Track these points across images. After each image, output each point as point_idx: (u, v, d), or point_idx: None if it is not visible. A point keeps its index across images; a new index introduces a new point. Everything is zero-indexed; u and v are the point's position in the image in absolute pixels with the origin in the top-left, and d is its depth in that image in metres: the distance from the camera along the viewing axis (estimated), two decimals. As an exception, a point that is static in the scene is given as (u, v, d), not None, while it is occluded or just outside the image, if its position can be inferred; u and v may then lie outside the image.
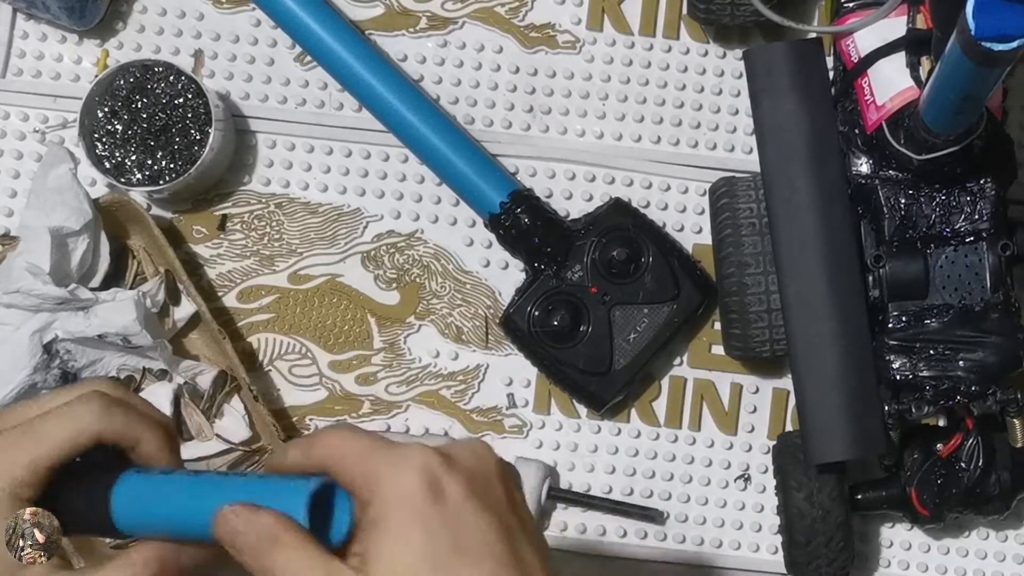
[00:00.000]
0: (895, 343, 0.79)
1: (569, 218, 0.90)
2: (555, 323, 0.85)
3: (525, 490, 0.84)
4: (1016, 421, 0.80)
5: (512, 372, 0.90)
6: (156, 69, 0.86)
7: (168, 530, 0.49)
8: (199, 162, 0.85)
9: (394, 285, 0.91)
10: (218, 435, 0.87)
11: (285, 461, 0.48)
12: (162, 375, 0.87)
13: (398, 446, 0.46)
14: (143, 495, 0.49)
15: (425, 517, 0.44)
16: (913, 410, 0.79)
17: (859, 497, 0.84)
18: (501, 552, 0.45)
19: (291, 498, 0.46)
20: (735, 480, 0.90)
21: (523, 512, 0.47)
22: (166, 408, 0.85)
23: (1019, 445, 0.80)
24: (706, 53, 0.92)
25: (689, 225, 0.91)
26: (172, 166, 0.86)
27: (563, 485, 0.89)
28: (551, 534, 0.89)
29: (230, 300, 0.90)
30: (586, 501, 0.88)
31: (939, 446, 0.81)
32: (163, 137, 0.86)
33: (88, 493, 0.50)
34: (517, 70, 0.91)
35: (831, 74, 0.83)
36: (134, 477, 0.50)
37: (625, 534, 0.89)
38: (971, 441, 0.81)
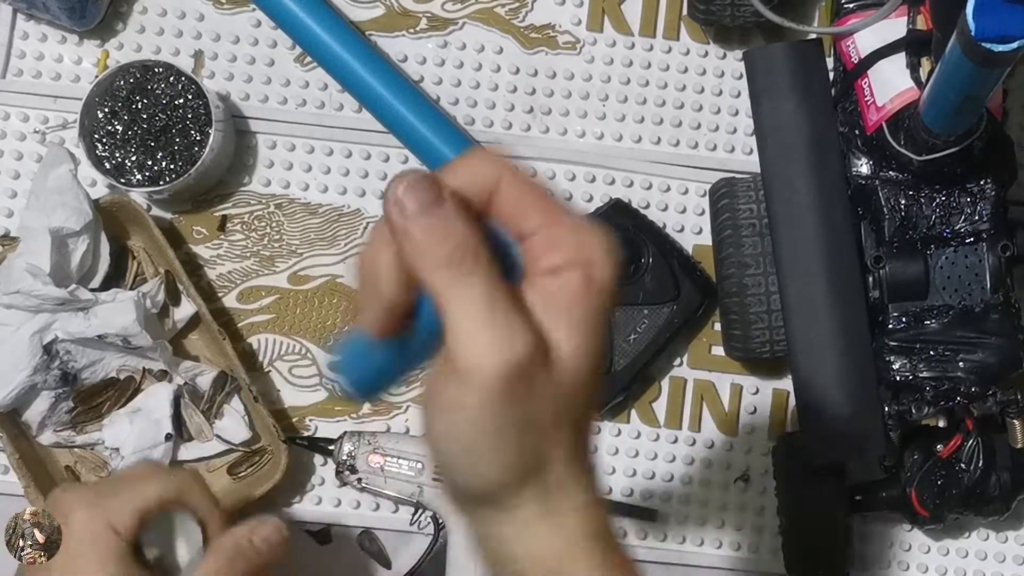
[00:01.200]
0: (895, 344, 0.79)
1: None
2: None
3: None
4: (1016, 422, 0.80)
5: (512, 373, 0.90)
6: (156, 70, 0.86)
7: None
8: (199, 163, 0.85)
9: (394, 286, 0.90)
10: (218, 436, 0.87)
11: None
12: (162, 376, 0.87)
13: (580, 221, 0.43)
14: None
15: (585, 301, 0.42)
16: (913, 411, 0.79)
17: (859, 498, 0.84)
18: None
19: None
20: (735, 481, 0.90)
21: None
22: (166, 408, 0.85)
23: (1019, 446, 0.80)
24: (706, 54, 0.92)
25: (689, 226, 0.91)
26: (172, 167, 0.86)
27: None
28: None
29: (230, 301, 0.90)
30: None
31: (939, 447, 0.81)
32: (163, 138, 0.86)
33: None
34: (517, 71, 0.91)
35: (831, 75, 0.83)
36: None
37: (625, 534, 0.89)
38: (971, 442, 0.81)
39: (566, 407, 0.42)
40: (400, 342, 0.44)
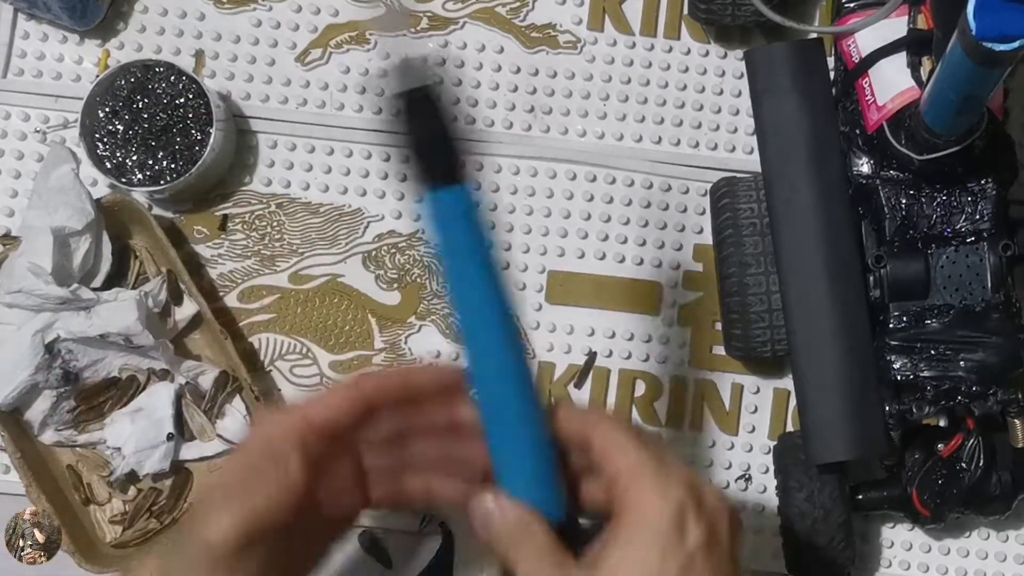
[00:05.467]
0: (896, 343, 0.79)
1: (570, 218, 0.90)
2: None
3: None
4: (1017, 421, 0.80)
5: (513, 372, 0.90)
6: (157, 69, 0.86)
7: None
8: (200, 162, 0.85)
9: (395, 285, 0.91)
10: (219, 435, 0.87)
11: (555, 414, 0.52)
12: (164, 375, 0.87)
13: (664, 469, 0.50)
14: None
15: (666, 549, 0.48)
16: (914, 410, 0.79)
17: (860, 497, 0.84)
18: None
19: (552, 495, 0.51)
20: (736, 480, 0.90)
21: (739, 566, 0.52)
22: (168, 408, 0.86)
23: (1020, 445, 0.80)
24: (707, 53, 0.92)
25: (690, 225, 0.91)
26: (173, 166, 0.86)
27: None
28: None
29: (231, 300, 0.90)
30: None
31: (940, 446, 0.81)
32: (164, 137, 0.86)
33: None
34: (518, 70, 0.92)
35: (832, 74, 0.83)
36: None
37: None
38: (972, 441, 0.81)
39: None
40: None
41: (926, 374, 0.78)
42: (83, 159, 0.86)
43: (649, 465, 0.50)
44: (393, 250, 0.91)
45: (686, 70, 0.92)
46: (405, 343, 0.90)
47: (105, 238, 0.85)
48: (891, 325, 0.79)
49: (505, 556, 0.51)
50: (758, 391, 0.90)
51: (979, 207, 0.79)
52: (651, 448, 0.51)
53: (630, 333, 0.90)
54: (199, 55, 0.92)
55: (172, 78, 0.86)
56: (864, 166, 0.80)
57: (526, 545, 0.50)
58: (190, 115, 0.86)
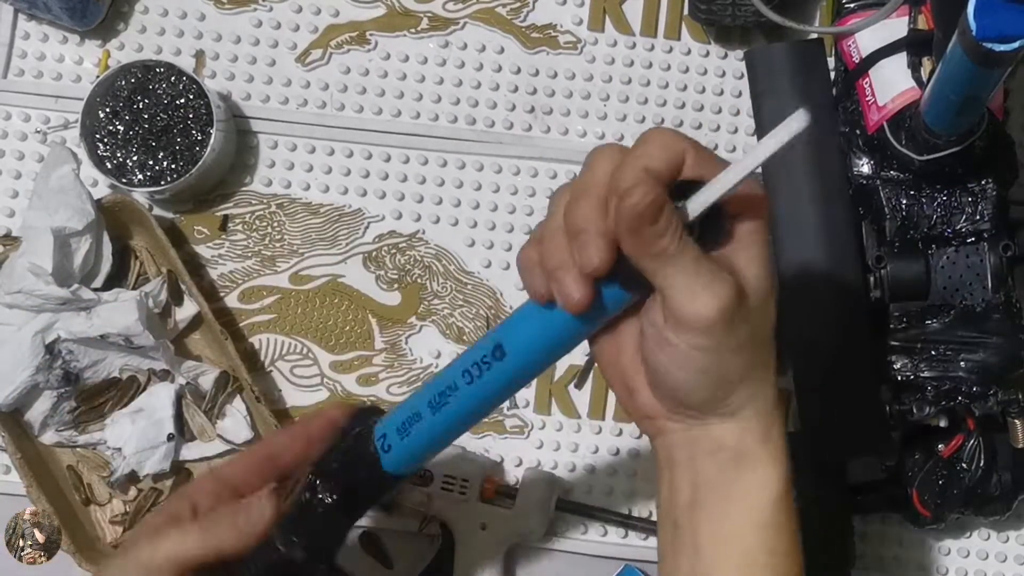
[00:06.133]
0: (896, 344, 0.79)
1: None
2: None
3: (534, 501, 0.85)
4: (1017, 422, 0.79)
5: (513, 372, 0.90)
6: (157, 70, 0.86)
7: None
8: (200, 163, 0.85)
9: (395, 286, 0.91)
10: (220, 436, 0.87)
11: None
12: (164, 375, 0.87)
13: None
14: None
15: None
16: (914, 410, 0.79)
17: (860, 498, 0.84)
18: None
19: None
20: (736, 480, 0.90)
21: None
22: (168, 408, 0.86)
23: (1020, 446, 0.80)
24: (707, 54, 0.92)
25: (690, 225, 0.91)
26: (173, 167, 0.86)
27: (564, 486, 0.89)
28: (553, 534, 0.89)
29: (232, 301, 0.90)
30: (594, 514, 0.88)
31: (940, 447, 0.81)
32: (164, 138, 0.86)
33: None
34: (518, 70, 0.92)
35: (832, 75, 0.83)
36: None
37: (627, 535, 0.89)
38: (972, 442, 0.81)
39: (762, 323, 0.53)
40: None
41: (926, 374, 0.78)
42: (83, 159, 0.86)
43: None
44: (393, 250, 0.91)
45: (686, 70, 0.92)
46: (406, 343, 0.90)
47: (105, 238, 0.85)
48: (891, 325, 0.79)
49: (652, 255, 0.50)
50: (758, 391, 0.90)
51: (979, 207, 0.79)
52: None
53: (630, 333, 0.90)
54: (199, 55, 0.92)
55: (172, 78, 0.86)
56: (864, 166, 0.80)
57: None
58: (190, 115, 0.86)
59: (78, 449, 0.88)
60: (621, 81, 0.91)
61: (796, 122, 0.47)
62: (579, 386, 0.90)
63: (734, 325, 0.51)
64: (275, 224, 0.91)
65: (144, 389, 0.87)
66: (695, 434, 0.55)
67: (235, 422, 0.87)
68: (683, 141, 0.51)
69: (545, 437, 0.90)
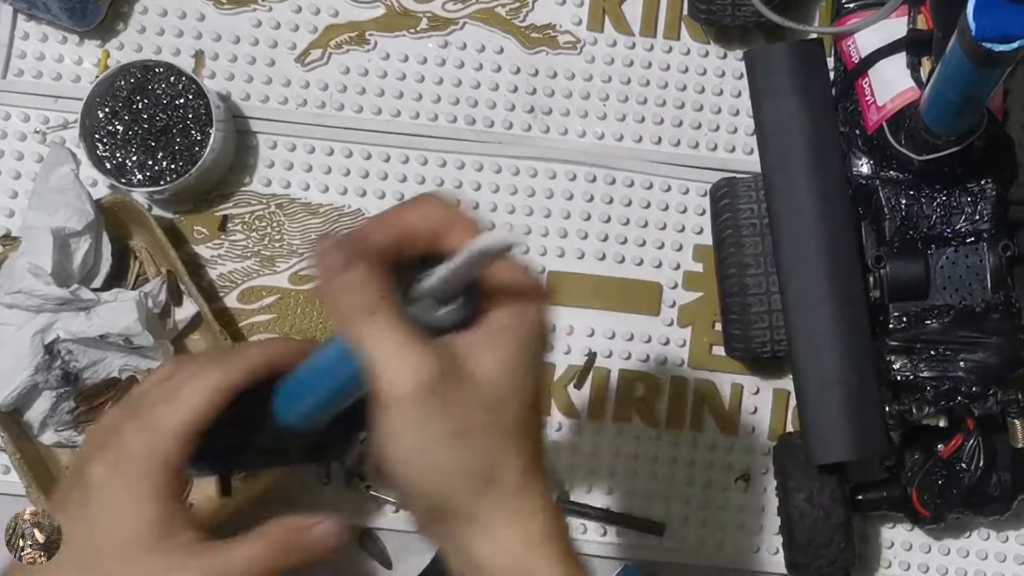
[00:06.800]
0: (896, 344, 0.79)
1: (569, 219, 0.90)
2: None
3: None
4: (1017, 422, 0.79)
5: (513, 373, 0.90)
6: (157, 70, 0.86)
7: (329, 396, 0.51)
8: (200, 163, 0.85)
9: (395, 286, 0.91)
10: (219, 435, 0.87)
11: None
12: (163, 376, 0.87)
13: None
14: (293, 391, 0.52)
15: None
16: (914, 411, 0.79)
17: (860, 498, 0.84)
18: None
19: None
20: (736, 481, 0.90)
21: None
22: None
23: (1020, 446, 0.80)
24: (707, 54, 0.92)
25: (690, 226, 0.91)
26: (173, 167, 0.86)
27: (563, 487, 0.89)
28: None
29: (231, 301, 0.90)
30: (594, 514, 0.88)
31: (940, 447, 0.81)
32: (164, 138, 0.86)
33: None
34: (518, 71, 0.92)
35: (832, 75, 0.83)
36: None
37: (626, 535, 0.89)
38: (972, 442, 0.80)
39: (496, 417, 0.47)
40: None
41: (926, 374, 0.78)
42: (83, 160, 0.86)
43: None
44: (393, 250, 0.91)
45: (686, 70, 0.92)
46: (405, 343, 0.90)
47: (105, 239, 0.85)
48: (891, 325, 0.79)
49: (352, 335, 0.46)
50: (758, 391, 0.90)
51: (979, 207, 0.79)
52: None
53: (630, 333, 0.90)
54: (199, 55, 0.92)
55: (172, 78, 0.86)
56: (864, 166, 0.80)
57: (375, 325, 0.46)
58: (190, 116, 0.86)
59: (77, 449, 0.87)
60: (620, 81, 0.91)
61: (508, 239, 0.43)
62: (579, 386, 0.90)
63: (439, 409, 0.46)
64: (274, 224, 0.91)
65: (143, 389, 0.87)
66: (453, 552, 0.49)
67: (234, 422, 0.87)
68: (446, 212, 0.47)
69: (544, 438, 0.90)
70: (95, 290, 0.85)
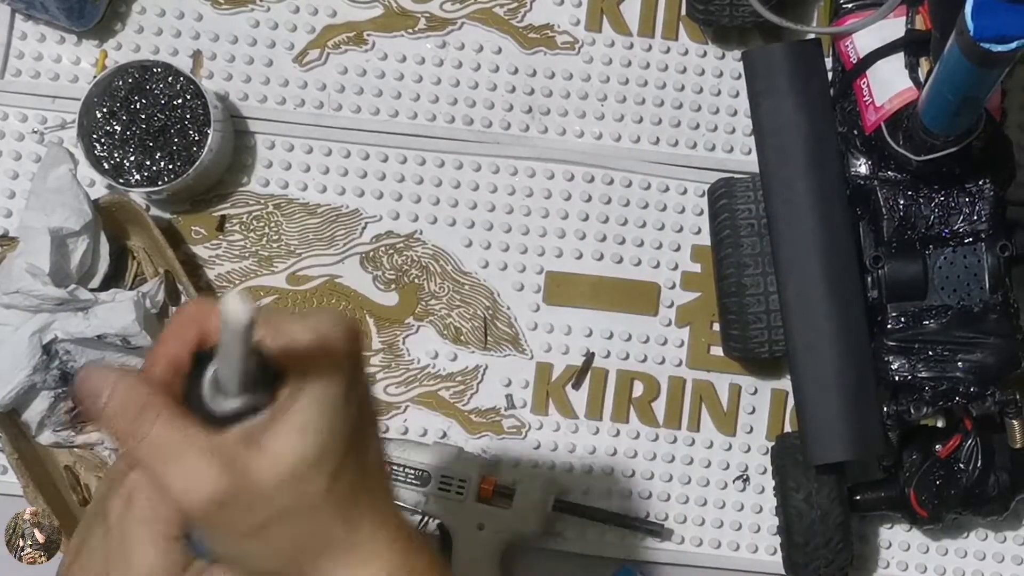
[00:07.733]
0: (894, 344, 0.79)
1: (567, 219, 0.90)
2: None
3: (532, 501, 0.85)
4: (1015, 422, 0.80)
5: (511, 373, 0.90)
6: (155, 70, 0.86)
7: None
8: (198, 163, 0.85)
9: (393, 286, 0.91)
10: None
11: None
12: (161, 376, 0.87)
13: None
14: None
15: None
16: (912, 411, 0.79)
17: (858, 498, 0.84)
18: None
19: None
20: (734, 481, 0.90)
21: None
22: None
23: (1018, 446, 0.80)
24: (705, 54, 0.92)
25: (688, 226, 0.91)
26: (171, 167, 0.86)
27: (562, 487, 0.89)
28: (551, 534, 0.89)
29: (229, 301, 0.90)
30: (592, 514, 0.88)
31: (938, 447, 0.81)
32: (162, 138, 0.86)
33: None
34: (516, 71, 0.92)
35: (830, 75, 0.83)
36: None
37: (624, 535, 0.89)
38: (970, 442, 0.81)
39: (297, 499, 0.46)
40: None
41: (924, 375, 0.78)
42: (81, 160, 0.86)
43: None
44: (391, 251, 0.91)
45: (684, 71, 0.92)
46: (403, 344, 0.90)
47: (103, 239, 0.85)
48: (889, 326, 0.79)
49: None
50: (756, 392, 0.90)
51: (977, 208, 0.79)
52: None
53: (628, 334, 0.90)
54: (197, 56, 0.91)
55: (170, 79, 0.86)
56: (862, 167, 0.81)
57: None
58: (188, 116, 0.86)
59: (75, 449, 0.87)
60: (618, 81, 0.91)
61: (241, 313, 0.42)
62: (576, 386, 0.90)
63: (228, 519, 0.46)
64: (272, 224, 0.91)
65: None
66: None
67: (232, 422, 0.87)
68: (197, 310, 0.48)
69: (542, 438, 0.90)
70: (93, 290, 0.85)
